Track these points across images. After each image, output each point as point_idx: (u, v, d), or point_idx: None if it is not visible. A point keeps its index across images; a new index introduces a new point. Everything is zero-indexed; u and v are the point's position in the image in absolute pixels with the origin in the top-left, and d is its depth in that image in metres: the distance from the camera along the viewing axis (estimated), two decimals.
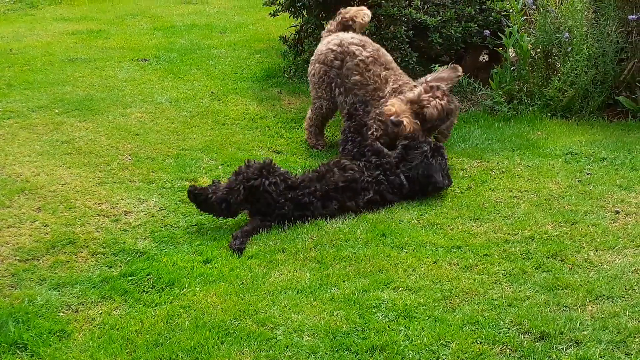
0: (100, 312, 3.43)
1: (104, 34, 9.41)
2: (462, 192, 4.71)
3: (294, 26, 7.71)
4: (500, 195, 4.63)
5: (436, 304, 3.43)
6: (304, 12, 7.32)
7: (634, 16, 5.89)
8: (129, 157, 5.28)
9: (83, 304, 3.50)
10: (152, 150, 5.42)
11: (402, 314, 3.35)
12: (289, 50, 7.77)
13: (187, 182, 4.87)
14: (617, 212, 4.28)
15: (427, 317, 3.32)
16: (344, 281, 3.65)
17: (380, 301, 3.46)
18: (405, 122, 4.78)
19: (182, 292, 3.57)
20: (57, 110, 6.21)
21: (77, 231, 4.17)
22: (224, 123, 6.08)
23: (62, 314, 3.41)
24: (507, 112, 6.20)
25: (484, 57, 7.54)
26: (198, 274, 3.75)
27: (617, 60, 6.16)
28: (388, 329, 3.24)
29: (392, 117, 4.78)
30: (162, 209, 4.51)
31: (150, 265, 3.81)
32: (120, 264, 3.87)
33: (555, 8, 6.46)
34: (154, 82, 7.20)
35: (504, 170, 5.05)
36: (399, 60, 6.56)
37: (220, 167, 5.16)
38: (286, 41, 7.80)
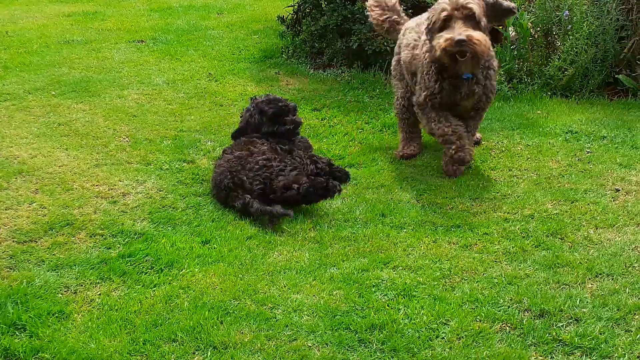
0: (99, 293, 3.42)
1: (100, 16, 9.34)
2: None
3: (292, 6, 7.66)
4: (500, 174, 4.61)
5: (435, 283, 3.42)
6: None
7: None
8: (127, 139, 5.26)
9: (82, 285, 3.48)
10: (150, 132, 5.39)
11: (402, 293, 3.34)
12: (287, 31, 7.73)
13: (185, 164, 4.85)
14: (617, 190, 4.26)
15: (426, 296, 3.32)
16: (343, 261, 3.64)
17: (380, 280, 3.45)
18: None
19: (181, 273, 3.56)
20: (53, 92, 6.18)
21: (75, 213, 4.16)
22: (222, 104, 6.04)
23: (60, 295, 3.40)
24: (507, 91, 6.17)
25: None
26: (197, 254, 3.73)
27: (617, 38, 6.12)
28: (387, 307, 3.24)
29: None
30: (160, 190, 4.49)
31: (149, 247, 3.80)
32: (118, 245, 3.86)
33: None
34: (151, 63, 7.15)
35: (503, 149, 5.03)
36: None
37: (218, 148, 5.13)
38: (284, 21, 7.75)
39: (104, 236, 3.94)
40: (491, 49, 4.44)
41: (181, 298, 3.34)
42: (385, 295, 3.34)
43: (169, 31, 8.41)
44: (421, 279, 3.45)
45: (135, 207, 4.27)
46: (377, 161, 4.90)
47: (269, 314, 3.22)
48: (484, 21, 4.32)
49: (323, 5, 7.11)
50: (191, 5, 10.06)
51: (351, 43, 6.69)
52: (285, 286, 3.43)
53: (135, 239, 3.92)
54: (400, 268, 3.56)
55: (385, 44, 6.54)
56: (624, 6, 6.09)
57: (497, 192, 4.34)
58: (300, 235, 3.92)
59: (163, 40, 7.99)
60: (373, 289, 3.39)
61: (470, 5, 4.25)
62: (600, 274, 3.42)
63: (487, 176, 4.59)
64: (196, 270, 3.58)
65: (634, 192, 4.23)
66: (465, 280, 3.44)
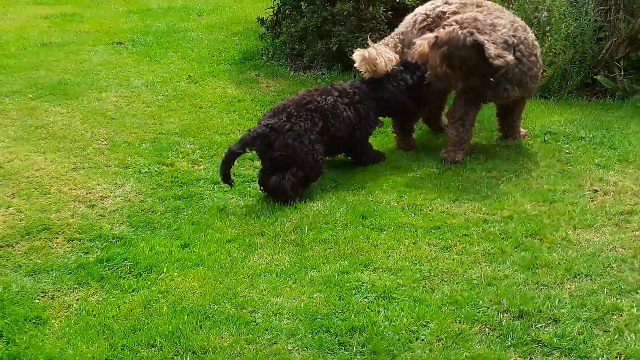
0: (76, 298, 3.39)
1: (79, 18, 9.26)
2: (441, 173, 4.70)
3: (272, 8, 7.64)
4: (479, 175, 4.63)
5: (415, 285, 3.42)
6: None
7: None
8: (105, 142, 5.21)
9: (59, 291, 3.45)
10: (128, 135, 5.35)
11: (382, 295, 3.34)
12: (267, 33, 7.70)
13: (164, 167, 4.82)
14: (596, 191, 4.29)
15: (406, 298, 3.32)
16: (323, 263, 3.63)
17: (360, 283, 3.45)
18: None
19: (159, 277, 3.53)
20: (30, 95, 6.12)
21: (52, 217, 4.11)
22: (201, 106, 6.01)
23: (37, 301, 3.36)
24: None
25: None
26: (176, 258, 3.71)
27: (595, 39, 6.16)
28: (368, 310, 3.24)
29: None
30: (139, 194, 4.45)
31: (127, 251, 3.77)
32: (96, 249, 3.82)
33: None
34: (130, 65, 7.10)
35: (483, 150, 5.04)
36: (377, 42, 6.52)
37: (198, 151, 5.10)
38: (264, 23, 7.73)
39: (81, 240, 3.90)
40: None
41: (160, 303, 3.32)
42: (366, 297, 3.34)
43: (148, 33, 8.36)
44: (401, 281, 3.45)
45: (114, 210, 4.24)
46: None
47: (249, 317, 3.20)
48: None
49: (303, 7, 7.10)
50: (170, 6, 10.00)
51: (331, 45, 6.68)
52: (265, 289, 3.41)
53: (114, 243, 3.88)
54: (380, 270, 3.56)
55: (365, 46, 6.53)
56: (602, 7, 6.13)
57: (477, 194, 4.35)
58: (281, 237, 3.91)
59: (142, 42, 7.94)
60: (353, 292, 3.38)
61: None
62: (578, 275, 3.44)
63: (467, 177, 4.60)
64: (175, 274, 3.55)
65: (612, 193, 4.26)
66: (445, 281, 3.45)
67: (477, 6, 4.89)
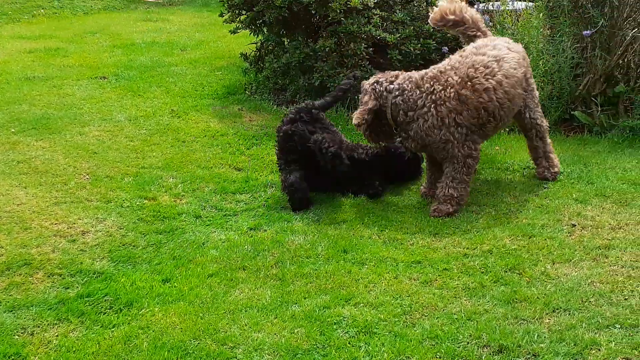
0: (56, 334, 3.37)
1: (63, 52, 9.30)
2: (422, 207, 4.74)
3: (255, 43, 7.73)
4: (459, 209, 4.67)
5: (396, 319, 3.44)
6: (264, 30, 7.34)
7: (588, 32, 6.02)
8: (87, 176, 5.22)
9: (39, 327, 3.43)
10: (111, 169, 5.36)
11: (363, 330, 3.35)
12: (250, 68, 7.78)
13: (147, 201, 4.82)
14: (574, 225, 4.34)
15: (387, 333, 3.33)
16: (305, 298, 3.64)
17: (341, 317, 3.46)
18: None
19: (140, 313, 3.52)
20: (13, 130, 6.12)
21: (33, 252, 4.10)
22: (184, 140, 6.04)
23: (17, 337, 3.34)
24: None
25: None
26: (157, 293, 3.70)
27: (572, 75, 6.28)
28: (349, 345, 3.24)
29: None
30: (121, 228, 4.45)
31: (108, 286, 3.76)
32: (77, 285, 3.81)
33: (512, 25, 6.58)
34: (113, 100, 7.13)
35: None
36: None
37: (180, 185, 5.12)
38: (247, 58, 7.80)
39: (62, 276, 3.89)
40: None
41: (140, 338, 3.31)
42: (347, 332, 3.35)
43: (131, 67, 8.41)
44: (382, 316, 3.47)
45: (95, 245, 4.23)
46: (339, 197, 4.92)
47: (230, 353, 3.20)
48: None
49: (285, 43, 7.20)
50: (154, 41, 10.07)
51: (313, 80, 6.76)
52: (246, 325, 3.41)
53: (94, 278, 3.88)
54: (361, 305, 3.57)
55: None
56: (578, 45, 6.26)
57: (457, 228, 4.39)
58: (262, 272, 3.92)
59: (125, 77, 7.98)
60: (334, 327, 3.39)
61: None
62: (557, 309, 3.47)
63: None
64: (156, 309, 3.55)
65: (590, 227, 4.32)
66: (425, 316, 3.47)
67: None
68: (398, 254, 4.09)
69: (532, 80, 5.02)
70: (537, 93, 5.12)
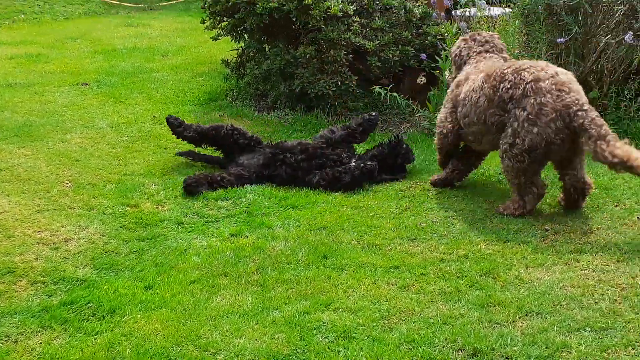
0: (40, 342, 3.42)
1: (44, 58, 9.31)
2: (400, 213, 4.84)
3: (236, 50, 7.79)
4: (436, 215, 4.77)
5: (374, 324, 3.52)
6: (246, 36, 7.41)
7: (562, 39, 6.15)
8: (69, 184, 5.26)
9: (22, 334, 3.47)
10: (93, 176, 5.40)
11: (342, 335, 3.43)
12: (231, 74, 7.85)
13: (129, 208, 4.88)
14: (547, 230, 4.46)
15: (365, 337, 3.41)
16: (285, 304, 3.71)
17: (321, 323, 3.53)
18: None
19: (123, 320, 3.58)
20: None
21: (16, 260, 4.14)
22: (166, 147, 6.09)
23: (1, 345, 3.39)
24: None
25: (422, 80, 7.75)
26: (139, 300, 3.76)
27: None
28: (328, 350, 3.32)
29: None
30: (103, 236, 4.50)
31: (91, 293, 3.81)
32: (60, 292, 3.86)
33: (488, 31, 6.69)
34: (95, 106, 7.17)
35: (440, 190, 5.20)
36: (339, 84, 6.70)
37: (162, 192, 5.17)
38: (228, 65, 7.87)
39: (45, 283, 3.94)
40: None
41: (123, 345, 3.37)
42: (326, 337, 3.43)
43: (113, 74, 8.44)
44: (361, 321, 3.55)
45: (78, 253, 4.28)
46: (319, 203, 5.00)
47: (212, 359, 3.26)
48: None
49: (266, 50, 7.27)
50: (136, 47, 10.10)
51: (294, 86, 6.85)
52: (228, 331, 3.48)
53: (77, 285, 3.93)
54: (340, 310, 3.65)
55: (327, 87, 6.71)
56: (553, 51, 6.39)
57: (434, 233, 4.49)
58: (244, 278, 3.99)
59: (107, 83, 8.01)
60: (314, 332, 3.47)
61: None
62: (530, 313, 3.57)
63: (425, 217, 4.74)
64: (139, 316, 3.61)
65: (562, 232, 4.43)
66: (402, 320, 3.55)
67: None
68: (377, 259, 4.18)
69: None
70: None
